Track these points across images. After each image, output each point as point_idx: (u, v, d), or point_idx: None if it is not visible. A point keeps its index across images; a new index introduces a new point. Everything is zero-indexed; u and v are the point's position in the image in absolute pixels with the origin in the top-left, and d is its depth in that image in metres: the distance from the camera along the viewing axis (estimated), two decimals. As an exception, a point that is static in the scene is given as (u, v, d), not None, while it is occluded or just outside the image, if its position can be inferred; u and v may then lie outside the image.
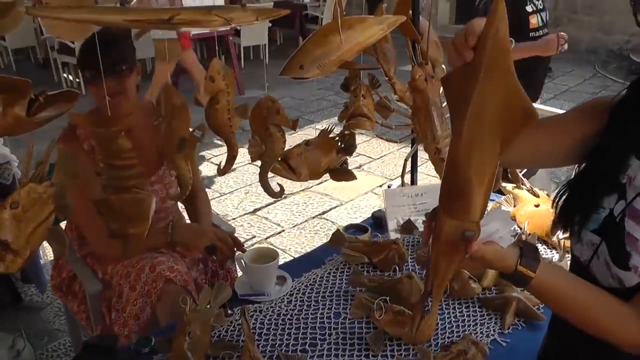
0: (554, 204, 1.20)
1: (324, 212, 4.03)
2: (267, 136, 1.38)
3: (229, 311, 1.53)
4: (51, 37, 7.42)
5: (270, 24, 8.55)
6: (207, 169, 4.64)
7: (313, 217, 3.94)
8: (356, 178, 1.60)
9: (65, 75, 7.65)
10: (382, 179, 4.60)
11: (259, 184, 1.46)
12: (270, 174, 1.43)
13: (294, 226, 3.84)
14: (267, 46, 8.71)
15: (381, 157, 5.07)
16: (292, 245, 3.59)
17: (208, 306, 1.39)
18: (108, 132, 1.18)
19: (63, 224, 2.07)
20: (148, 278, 1.74)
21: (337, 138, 1.60)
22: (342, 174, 1.58)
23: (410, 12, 1.83)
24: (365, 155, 5.11)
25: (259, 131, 1.38)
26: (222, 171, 1.39)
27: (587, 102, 1.21)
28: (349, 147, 1.58)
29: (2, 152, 2.63)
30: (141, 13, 1.07)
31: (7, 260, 1.01)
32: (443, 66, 1.92)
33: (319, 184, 4.33)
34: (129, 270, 1.78)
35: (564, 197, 1.17)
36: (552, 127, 1.22)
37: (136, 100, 1.87)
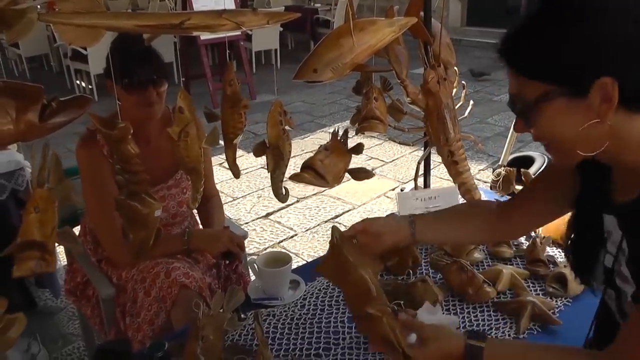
0: (567, 259, 1.29)
1: (336, 216, 4.02)
2: (285, 139, 1.38)
3: (242, 316, 1.53)
4: (64, 45, 7.49)
5: (281, 29, 8.59)
6: (219, 173, 4.65)
7: (326, 221, 3.93)
8: (374, 175, 1.60)
9: (78, 82, 7.71)
10: (395, 182, 4.58)
11: (271, 188, 1.46)
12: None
13: (307, 230, 3.83)
14: (278, 50, 8.74)
15: (393, 160, 5.05)
16: (305, 250, 3.59)
17: (221, 311, 1.38)
18: (116, 135, 1.18)
19: (76, 230, 2.08)
20: (163, 284, 1.75)
21: (342, 140, 1.60)
22: (362, 172, 1.58)
23: (422, 14, 1.83)
24: (377, 158, 5.09)
25: (278, 136, 1.38)
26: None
27: (544, 173, 1.38)
28: (358, 147, 1.58)
29: (16, 159, 2.64)
30: (152, 18, 1.07)
31: (48, 260, 1.03)
32: (455, 68, 1.91)
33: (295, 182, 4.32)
34: (144, 275, 1.79)
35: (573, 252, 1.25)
36: (531, 198, 1.37)
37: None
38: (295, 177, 1.48)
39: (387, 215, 1.52)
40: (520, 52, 0.98)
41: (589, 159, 0.99)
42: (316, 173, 1.47)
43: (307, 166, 1.48)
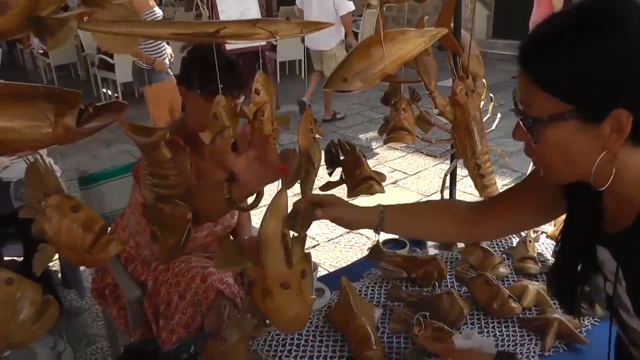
0: (548, 288, 1.28)
1: (359, 227, 4.00)
2: (316, 147, 1.40)
3: (268, 322, 1.53)
4: (92, 54, 7.64)
5: (306, 39, 8.64)
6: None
7: (348, 232, 3.92)
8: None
9: (104, 90, 7.84)
10: (418, 194, 4.56)
11: (294, 197, 1.47)
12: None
13: (329, 240, 3.83)
14: (302, 61, 8.79)
15: (416, 172, 5.04)
16: (327, 259, 3.58)
17: (249, 316, 1.39)
18: (148, 141, 1.21)
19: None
20: (199, 288, 1.77)
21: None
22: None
23: (452, 24, 1.83)
24: (400, 170, 5.08)
25: (309, 144, 1.40)
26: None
27: (530, 181, 1.29)
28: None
29: (47, 162, 2.69)
30: (188, 27, 1.09)
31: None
32: (484, 80, 1.91)
33: (353, 198, 4.32)
34: (178, 279, 1.81)
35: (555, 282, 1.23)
36: (509, 204, 1.34)
37: None
38: (366, 190, 1.52)
39: (359, 207, 1.45)
40: (544, 64, 0.92)
41: (579, 182, 0.99)
42: (377, 182, 1.50)
43: (368, 177, 1.52)
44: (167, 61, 4.95)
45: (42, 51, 8.74)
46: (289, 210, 1.15)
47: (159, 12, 4.75)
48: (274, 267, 1.10)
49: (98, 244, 1.02)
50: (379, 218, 1.36)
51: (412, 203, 1.52)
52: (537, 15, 6.48)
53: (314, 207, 1.29)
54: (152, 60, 4.79)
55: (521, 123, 0.98)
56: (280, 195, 1.12)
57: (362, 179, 1.51)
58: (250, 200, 1.31)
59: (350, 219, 1.39)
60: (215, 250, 1.90)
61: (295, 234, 1.15)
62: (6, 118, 0.95)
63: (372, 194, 1.52)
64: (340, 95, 1.48)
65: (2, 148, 0.99)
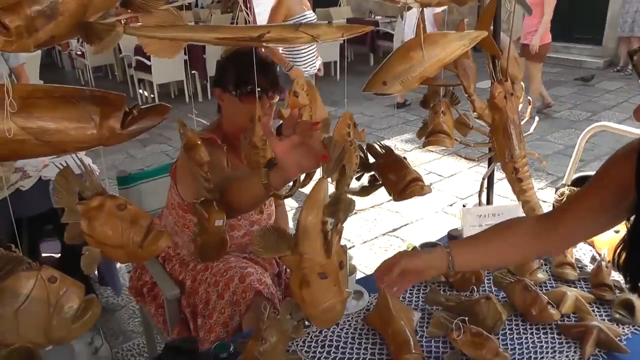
0: (613, 261, 1.18)
1: (394, 230, 3.99)
2: (352, 151, 1.39)
3: (307, 323, 1.54)
4: (129, 55, 7.75)
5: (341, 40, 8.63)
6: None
7: (383, 234, 3.91)
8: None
9: (140, 91, 7.95)
10: (453, 197, 4.52)
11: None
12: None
13: (364, 242, 3.82)
14: (338, 63, 8.79)
15: (452, 175, 5.00)
16: (362, 261, 3.57)
17: (288, 317, 1.40)
18: (185, 143, 1.22)
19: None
20: (237, 288, 1.78)
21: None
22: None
23: (492, 27, 1.81)
24: (435, 173, 5.04)
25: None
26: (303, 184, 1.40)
27: (604, 166, 1.22)
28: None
29: (87, 163, 2.75)
30: (232, 31, 1.10)
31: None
32: (522, 83, 1.89)
33: (388, 200, 4.30)
34: (217, 279, 1.83)
35: (622, 255, 1.13)
36: (579, 209, 1.26)
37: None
38: (419, 191, 1.51)
39: (422, 250, 1.49)
40: None
41: None
42: (423, 183, 1.50)
43: (416, 179, 1.52)
44: (311, 70, 4.69)
45: (79, 52, 8.93)
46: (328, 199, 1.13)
47: (310, 15, 4.51)
48: (312, 256, 1.09)
49: (149, 238, 1.04)
50: (447, 256, 1.33)
51: (476, 234, 1.44)
52: (529, 19, 6.40)
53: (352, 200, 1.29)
54: (289, 65, 4.47)
55: None
56: (321, 184, 1.11)
57: (411, 181, 1.50)
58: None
59: (423, 266, 1.35)
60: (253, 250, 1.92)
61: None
62: (53, 120, 0.98)
63: (423, 195, 1.50)
64: (373, 98, 1.48)
65: (49, 149, 1.01)
